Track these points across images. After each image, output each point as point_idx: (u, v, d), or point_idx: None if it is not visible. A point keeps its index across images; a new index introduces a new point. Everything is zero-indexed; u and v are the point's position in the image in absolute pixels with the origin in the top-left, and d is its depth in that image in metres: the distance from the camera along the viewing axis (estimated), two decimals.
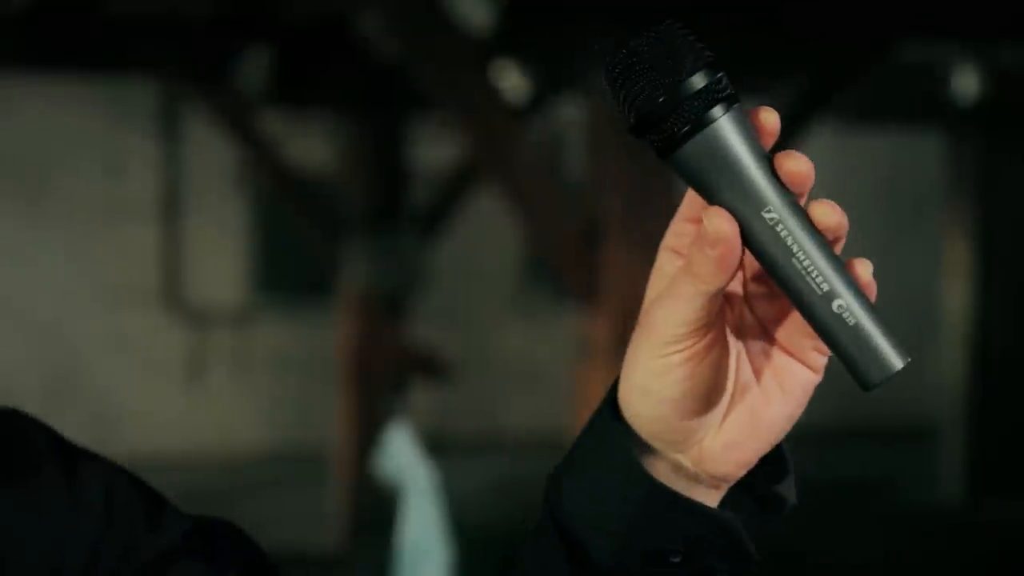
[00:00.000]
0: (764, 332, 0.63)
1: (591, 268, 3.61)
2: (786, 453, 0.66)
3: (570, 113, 7.46)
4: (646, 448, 0.63)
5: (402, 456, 4.21)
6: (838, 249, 0.61)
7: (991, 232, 7.74)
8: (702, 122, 0.59)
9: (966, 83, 7.40)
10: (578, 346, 3.80)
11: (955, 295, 7.87)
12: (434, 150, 7.55)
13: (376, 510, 5.76)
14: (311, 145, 7.92)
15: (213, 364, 9.09)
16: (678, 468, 0.63)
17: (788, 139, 4.66)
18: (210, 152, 8.60)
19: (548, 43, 4.98)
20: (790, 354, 0.63)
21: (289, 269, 9.06)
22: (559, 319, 8.80)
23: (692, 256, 0.59)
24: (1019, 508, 7.32)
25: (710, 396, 0.62)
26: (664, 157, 0.60)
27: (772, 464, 0.65)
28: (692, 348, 0.61)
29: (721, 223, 0.58)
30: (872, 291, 0.60)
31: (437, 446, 6.37)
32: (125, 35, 5.57)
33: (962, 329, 7.80)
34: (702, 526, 0.63)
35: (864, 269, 0.61)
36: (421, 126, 7.20)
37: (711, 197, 0.60)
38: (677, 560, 0.63)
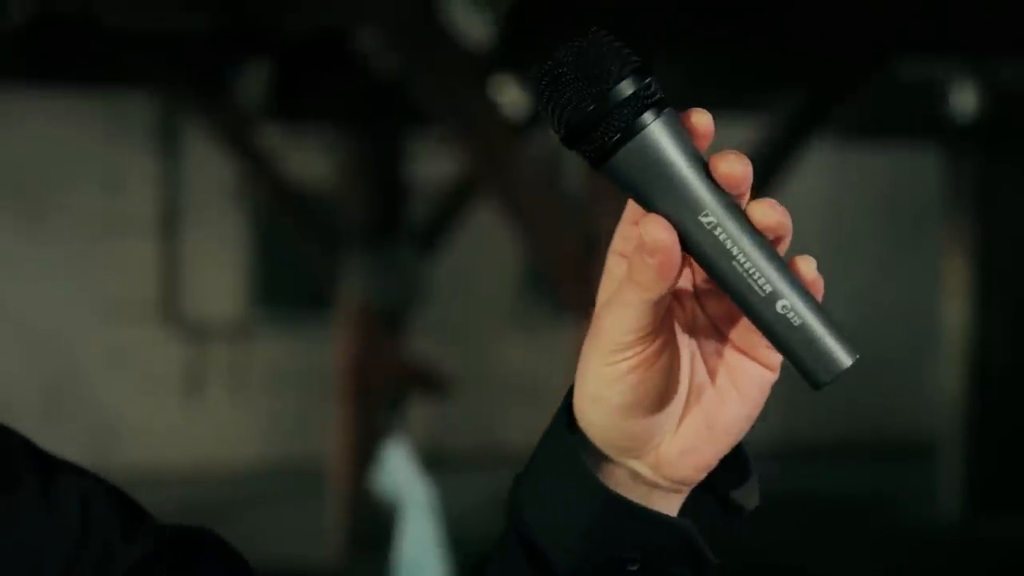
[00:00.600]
0: (717, 331, 0.62)
1: (589, 282, 3.61)
2: (747, 455, 0.65)
3: None
4: (602, 456, 0.63)
5: (399, 471, 4.19)
6: (783, 248, 0.60)
7: (990, 249, 7.74)
8: (633, 129, 0.58)
9: (965, 100, 7.41)
10: (576, 360, 3.79)
11: (954, 312, 7.86)
12: (433, 165, 7.56)
13: (374, 525, 5.75)
14: (310, 160, 7.93)
15: (211, 378, 9.08)
16: (635, 475, 0.63)
17: (787, 153, 4.66)
18: (209, 167, 8.60)
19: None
20: (744, 353, 0.62)
21: (288, 283, 9.06)
22: (558, 333, 8.79)
23: (633, 264, 0.59)
24: (1018, 524, 7.30)
25: (662, 401, 0.61)
26: (598, 167, 0.59)
27: (734, 466, 0.64)
28: (641, 354, 0.60)
29: (658, 231, 0.58)
30: (818, 288, 0.59)
31: (435, 461, 6.36)
32: (123, 49, 5.57)
33: (961, 345, 7.80)
34: (659, 534, 0.62)
35: (807, 267, 0.59)
36: (420, 141, 7.20)
37: (648, 204, 0.59)
38: (635, 568, 0.62)
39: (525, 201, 3.76)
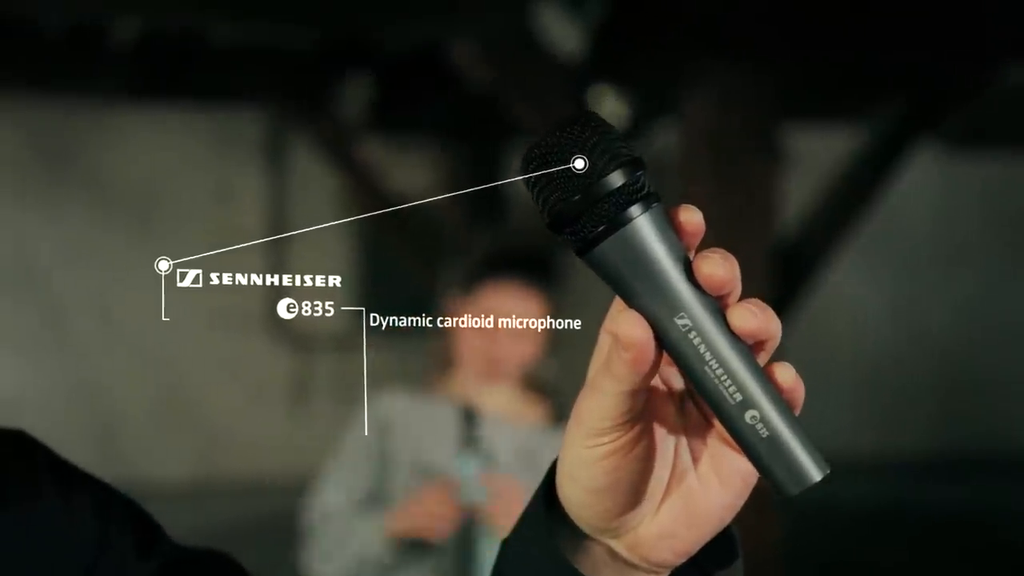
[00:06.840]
0: (705, 422, 0.62)
1: None
2: (735, 536, 0.64)
3: (667, 139, 7.41)
4: (580, 532, 0.62)
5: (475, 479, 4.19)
6: (767, 351, 0.58)
7: None
8: (618, 222, 0.58)
9: None
10: None
11: None
12: None
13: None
14: (413, 172, 8.00)
15: (317, 388, 9.20)
16: (613, 553, 0.62)
17: (890, 164, 4.56)
18: (314, 180, 8.74)
19: (644, 69, 4.97)
20: (728, 444, 0.61)
21: (391, 295, 9.15)
22: None
23: (610, 354, 0.59)
24: None
25: (637, 488, 0.61)
26: (581, 255, 0.59)
27: (721, 546, 0.63)
28: (617, 441, 0.59)
29: (631, 329, 0.57)
30: (796, 397, 0.58)
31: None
32: (230, 66, 5.69)
33: None
34: None
35: (784, 375, 0.58)
36: (521, 152, 7.22)
37: (628, 298, 0.59)
38: None
39: None
